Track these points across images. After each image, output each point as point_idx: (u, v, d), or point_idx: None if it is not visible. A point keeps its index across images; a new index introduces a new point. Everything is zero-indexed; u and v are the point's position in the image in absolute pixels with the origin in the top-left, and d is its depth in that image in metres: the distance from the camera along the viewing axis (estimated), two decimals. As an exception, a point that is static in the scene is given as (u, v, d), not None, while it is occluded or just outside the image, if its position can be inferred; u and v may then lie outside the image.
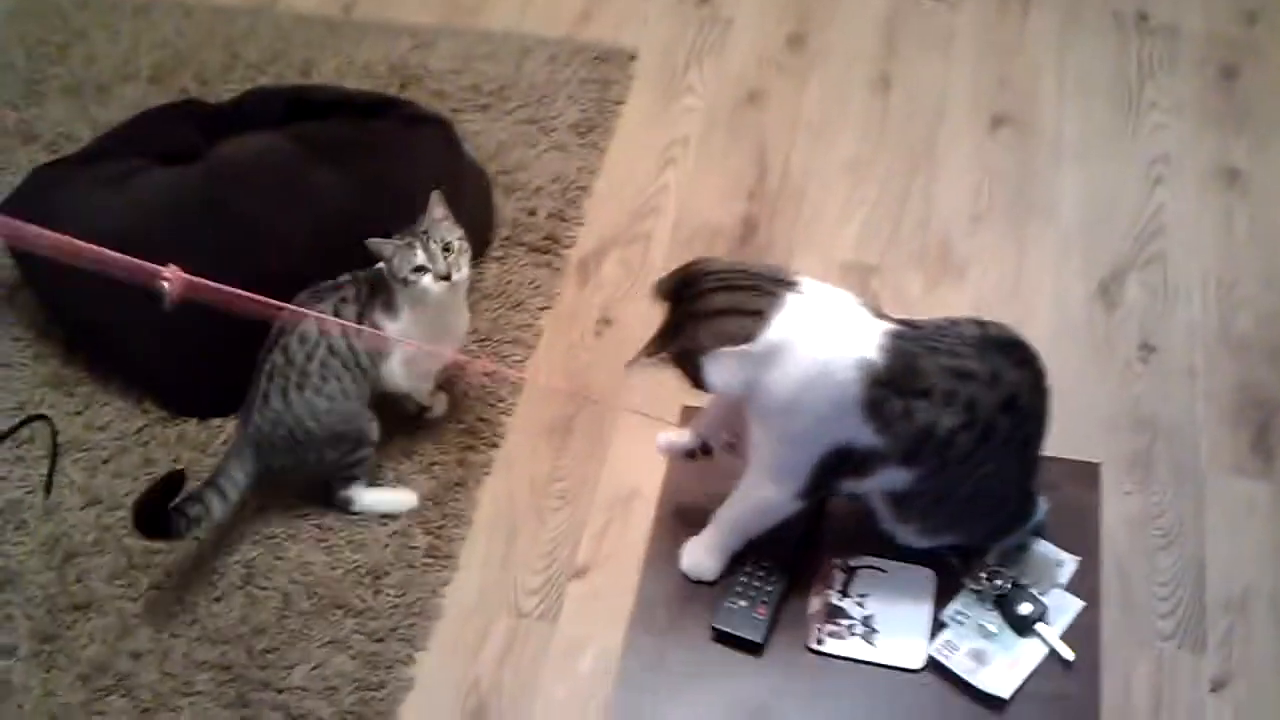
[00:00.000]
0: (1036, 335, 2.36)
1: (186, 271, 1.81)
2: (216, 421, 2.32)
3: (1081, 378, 2.31)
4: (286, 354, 2.11)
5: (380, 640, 2.06)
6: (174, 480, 2.02)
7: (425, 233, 2.05)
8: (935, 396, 1.65)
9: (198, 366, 2.32)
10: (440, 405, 2.31)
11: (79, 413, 2.35)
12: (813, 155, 2.72)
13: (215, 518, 2.09)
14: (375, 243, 2.06)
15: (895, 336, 1.69)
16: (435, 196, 2.07)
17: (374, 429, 2.19)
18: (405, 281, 2.06)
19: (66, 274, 2.31)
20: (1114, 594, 2.02)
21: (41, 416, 2.34)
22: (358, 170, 2.31)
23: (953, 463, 1.66)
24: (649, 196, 2.67)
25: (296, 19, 3.06)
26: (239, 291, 1.84)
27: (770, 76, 2.88)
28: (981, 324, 1.76)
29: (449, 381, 2.34)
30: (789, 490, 1.77)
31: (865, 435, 1.67)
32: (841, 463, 1.70)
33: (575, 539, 2.17)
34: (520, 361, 2.39)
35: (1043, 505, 1.79)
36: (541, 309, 2.48)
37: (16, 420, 2.34)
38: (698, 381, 1.74)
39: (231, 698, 2.00)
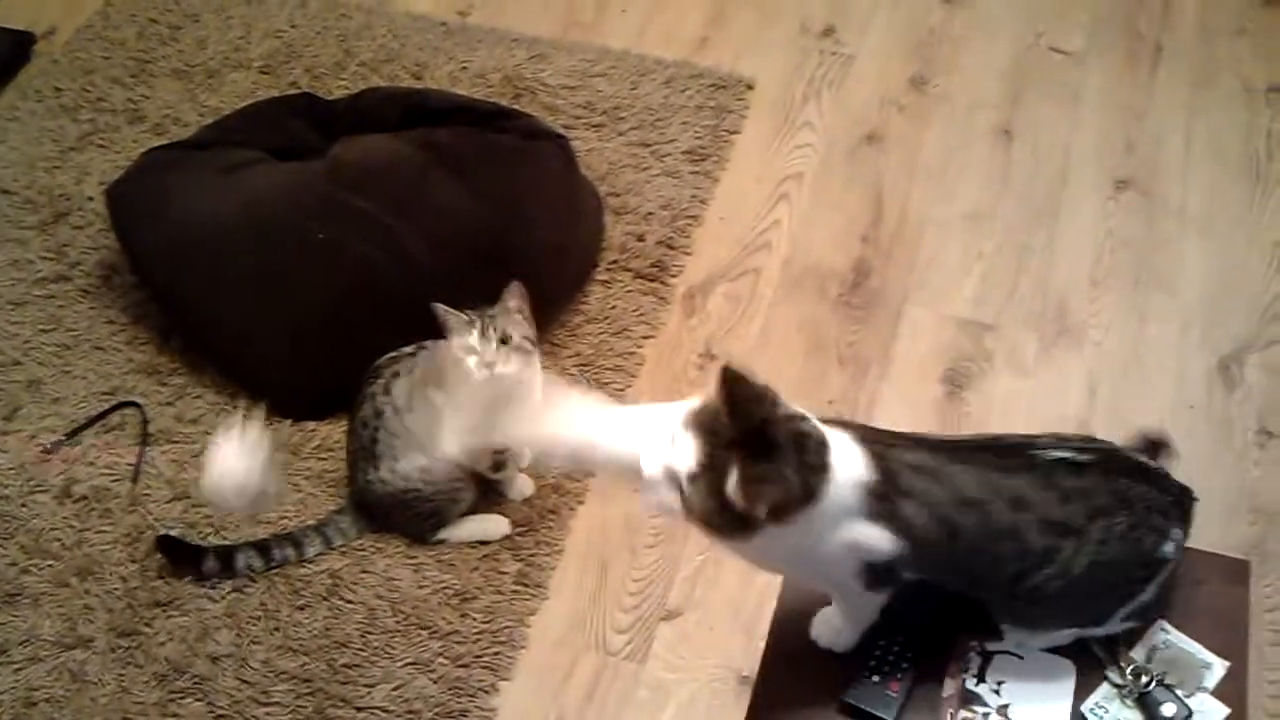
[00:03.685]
0: (1154, 409, 2.32)
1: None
2: (311, 425, 2.28)
3: (1197, 457, 2.23)
4: (358, 436, 2.09)
5: (464, 666, 2.00)
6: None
7: (493, 317, 1.98)
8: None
9: (295, 369, 2.28)
10: (517, 487, 2.20)
11: (170, 404, 2.31)
12: (930, 203, 2.66)
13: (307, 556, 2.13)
14: (442, 309, 1.97)
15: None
16: (514, 287, 2.00)
17: (464, 494, 2.13)
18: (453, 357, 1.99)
19: (174, 257, 2.30)
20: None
21: (133, 404, 2.30)
22: (478, 181, 2.26)
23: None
24: (760, 231, 2.61)
25: (411, 19, 3.01)
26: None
27: (890, 117, 2.82)
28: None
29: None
30: (869, 599, 1.60)
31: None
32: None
33: (668, 580, 2.12)
34: (621, 390, 2.34)
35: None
36: (645, 338, 2.42)
37: (107, 405, 2.30)
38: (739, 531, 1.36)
39: (309, 712, 1.95)
